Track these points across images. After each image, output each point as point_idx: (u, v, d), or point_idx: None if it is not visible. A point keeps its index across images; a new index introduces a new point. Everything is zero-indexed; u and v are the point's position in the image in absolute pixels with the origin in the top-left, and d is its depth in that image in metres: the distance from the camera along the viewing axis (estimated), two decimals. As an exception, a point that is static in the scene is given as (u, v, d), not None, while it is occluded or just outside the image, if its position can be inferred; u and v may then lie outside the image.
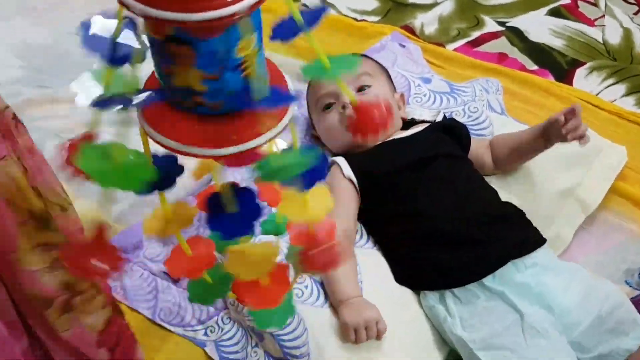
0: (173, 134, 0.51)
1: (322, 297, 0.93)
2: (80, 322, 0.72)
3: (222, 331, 0.98)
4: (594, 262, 1.08)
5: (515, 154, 1.11)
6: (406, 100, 1.23)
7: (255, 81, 0.51)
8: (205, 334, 0.98)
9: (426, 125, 1.11)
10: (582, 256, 1.09)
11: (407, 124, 1.14)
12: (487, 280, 0.90)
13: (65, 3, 1.62)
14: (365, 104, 0.54)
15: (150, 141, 0.53)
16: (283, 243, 0.90)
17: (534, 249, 0.94)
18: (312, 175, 0.55)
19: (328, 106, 1.10)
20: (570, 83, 1.49)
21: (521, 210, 1.02)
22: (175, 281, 1.04)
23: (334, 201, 1.00)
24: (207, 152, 0.51)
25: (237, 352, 0.96)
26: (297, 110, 1.24)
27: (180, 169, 0.55)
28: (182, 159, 0.55)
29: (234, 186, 0.56)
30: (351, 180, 1.02)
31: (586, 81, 1.51)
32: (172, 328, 1.00)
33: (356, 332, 0.86)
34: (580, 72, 1.53)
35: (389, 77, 1.19)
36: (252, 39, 0.50)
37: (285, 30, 0.50)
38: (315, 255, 0.57)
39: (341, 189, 1.01)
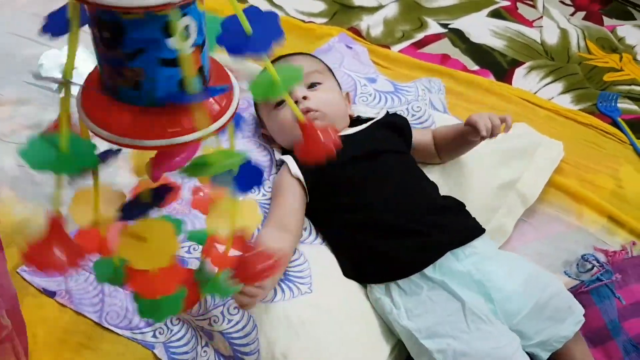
0: (108, 125, 0.50)
1: (270, 293, 0.92)
2: None
3: (171, 332, 0.97)
4: (534, 252, 1.12)
5: (452, 144, 1.12)
6: (352, 99, 1.25)
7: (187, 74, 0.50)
8: (154, 335, 0.97)
9: (371, 122, 1.13)
10: (522, 247, 1.13)
11: (354, 121, 1.16)
12: (428, 271, 0.92)
13: (6, 4, 1.57)
14: (312, 126, 0.54)
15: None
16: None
17: (472, 238, 0.96)
18: (244, 181, 0.55)
19: (280, 102, 1.09)
20: (510, 82, 1.54)
21: (461, 203, 1.04)
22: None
23: (278, 197, 1.02)
24: (139, 143, 0.50)
25: (186, 352, 0.95)
26: (246, 110, 1.24)
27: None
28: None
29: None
30: (298, 179, 1.03)
31: (525, 80, 1.56)
32: (119, 331, 0.98)
33: None
34: (519, 72, 1.58)
35: (334, 76, 1.20)
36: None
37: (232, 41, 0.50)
38: (251, 262, 0.56)
39: (287, 186, 1.02)
